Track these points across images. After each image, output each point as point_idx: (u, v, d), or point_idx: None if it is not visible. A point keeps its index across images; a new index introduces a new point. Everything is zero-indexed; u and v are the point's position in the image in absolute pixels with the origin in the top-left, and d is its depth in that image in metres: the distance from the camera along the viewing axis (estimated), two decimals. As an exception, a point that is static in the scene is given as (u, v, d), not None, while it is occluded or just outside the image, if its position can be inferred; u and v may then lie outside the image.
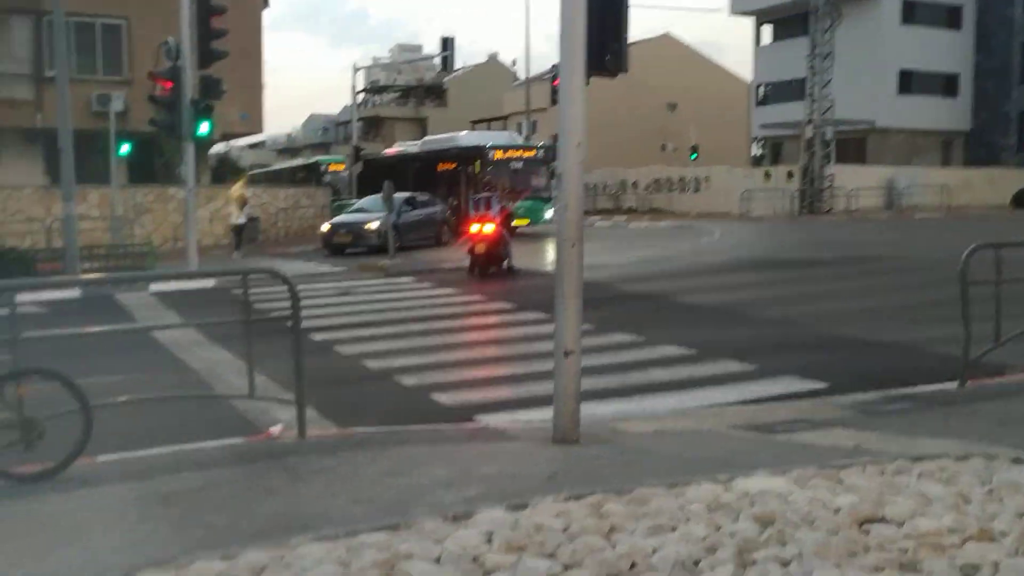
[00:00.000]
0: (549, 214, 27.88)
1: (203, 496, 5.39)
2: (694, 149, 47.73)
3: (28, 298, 15.25)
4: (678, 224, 34.90)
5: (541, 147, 31.32)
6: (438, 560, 3.72)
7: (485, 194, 18.51)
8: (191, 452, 6.50)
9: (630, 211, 44.89)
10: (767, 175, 41.18)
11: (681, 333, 11.11)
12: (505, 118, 62.27)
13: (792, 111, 43.67)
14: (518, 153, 30.84)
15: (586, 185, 44.10)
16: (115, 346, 11.21)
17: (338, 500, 5.17)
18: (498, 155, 30.06)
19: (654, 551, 3.61)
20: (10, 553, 4.58)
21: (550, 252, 20.41)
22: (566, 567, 3.55)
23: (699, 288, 15.51)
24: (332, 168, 42.83)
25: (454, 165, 31.54)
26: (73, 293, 16.50)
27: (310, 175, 44.20)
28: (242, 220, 27.19)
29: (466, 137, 34.08)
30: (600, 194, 48.25)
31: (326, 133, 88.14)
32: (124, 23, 28.46)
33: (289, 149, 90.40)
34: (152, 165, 30.92)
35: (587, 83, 6.42)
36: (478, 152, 30.23)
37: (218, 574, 3.65)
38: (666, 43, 61.29)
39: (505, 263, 18.40)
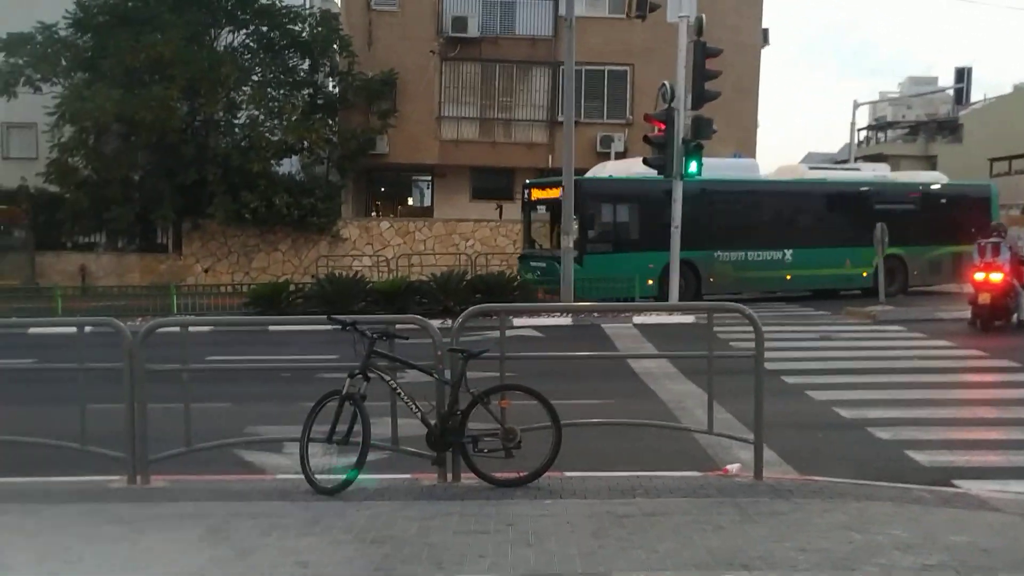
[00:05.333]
0: None
1: (652, 522, 5.52)
2: None
3: (529, 322, 16.95)
4: None
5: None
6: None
7: (994, 239, 16.78)
8: (648, 479, 6.69)
9: None
10: None
11: None
12: (1029, 155, 55.72)
13: None
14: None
15: None
16: (596, 372, 11.98)
17: (784, 545, 4.99)
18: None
19: None
20: (472, 545, 5.07)
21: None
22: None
23: None
24: None
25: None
26: (567, 320, 17.98)
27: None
28: None
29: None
30: None
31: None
32: (629, 69, 30.40)
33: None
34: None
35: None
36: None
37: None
38: None
39: (1014, 317, 16.53)
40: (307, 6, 31.14)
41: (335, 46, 28.95)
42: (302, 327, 16.37)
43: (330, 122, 29.24)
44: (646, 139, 19.25)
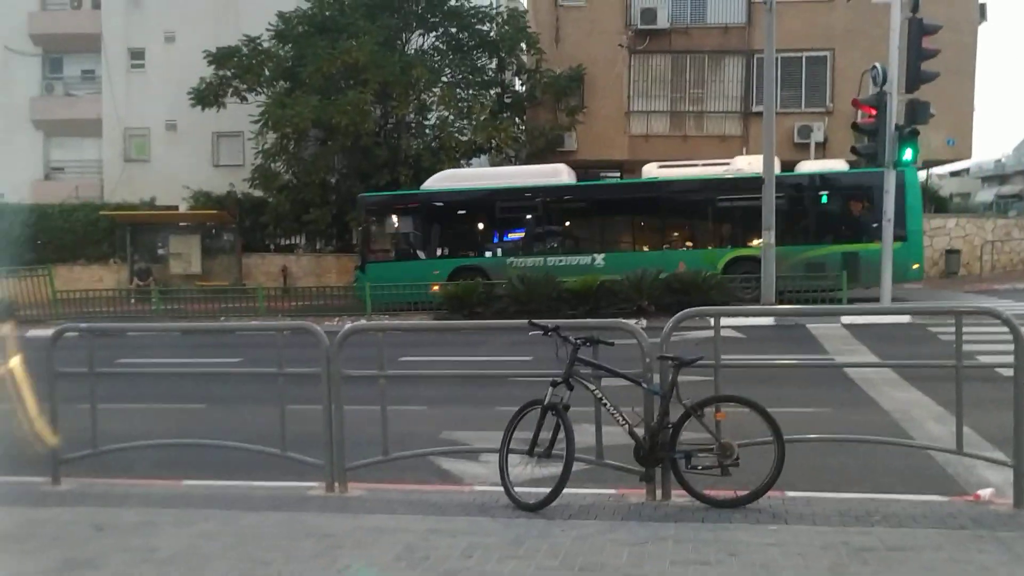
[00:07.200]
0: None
1: (899, 558, 4.80)
2: None
3: (728, 322, 16.13)
4: None
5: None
6: None
7: None
8: (885, 503, 5.92)
9: None
10: None
11: None
12: None
13: None
14: None
15: None
16: (805, 377, 11.10)
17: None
18: None
19: None
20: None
21: None
22: None
23: None
24: None
25: None
26: (768, 321, 17.02)
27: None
28: None
29: None
30: None
31: (1043, 157, 79.46)
32: (829, 54, 28.78)
33: (997, 176, 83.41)
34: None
35: None
36: None
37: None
38: None
39: None
40: (495, 5, 31.21)
41: (523, 44, 28.83)
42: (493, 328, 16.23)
43: (518, 120, 29.19)
44: (854, 126, 18.03)
